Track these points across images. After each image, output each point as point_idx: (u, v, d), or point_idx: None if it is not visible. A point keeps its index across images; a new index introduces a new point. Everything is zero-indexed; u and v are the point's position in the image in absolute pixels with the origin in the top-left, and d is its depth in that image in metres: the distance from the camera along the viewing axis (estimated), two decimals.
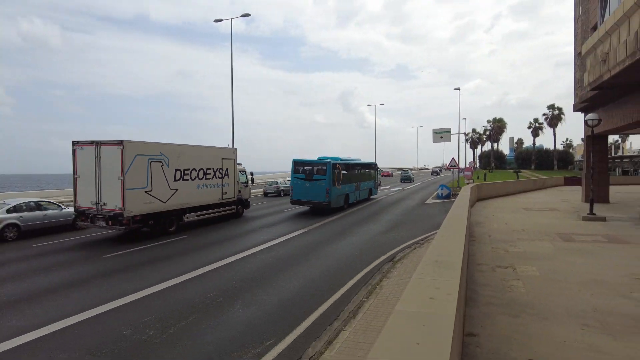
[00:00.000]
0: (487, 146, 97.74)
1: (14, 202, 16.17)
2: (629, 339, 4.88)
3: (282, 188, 34.79)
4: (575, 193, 28.47)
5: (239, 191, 21.48)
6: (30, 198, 17.90)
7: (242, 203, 21.88)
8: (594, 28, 17.83)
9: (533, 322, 5.45)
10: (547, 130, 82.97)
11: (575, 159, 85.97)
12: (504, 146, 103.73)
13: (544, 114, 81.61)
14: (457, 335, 2.64)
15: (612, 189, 24.40)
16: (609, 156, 45.57)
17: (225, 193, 19.90)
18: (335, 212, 22.93)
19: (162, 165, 16.03)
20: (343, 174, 24.66)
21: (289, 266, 10.95)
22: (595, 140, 20.45)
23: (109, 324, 7.07)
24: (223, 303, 8.08)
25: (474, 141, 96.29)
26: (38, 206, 16.46)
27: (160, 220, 16.01)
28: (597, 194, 19.41)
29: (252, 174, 24.95)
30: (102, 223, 14.85)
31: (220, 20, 32.46)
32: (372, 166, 32.53)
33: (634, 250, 9.91)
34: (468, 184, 31.85)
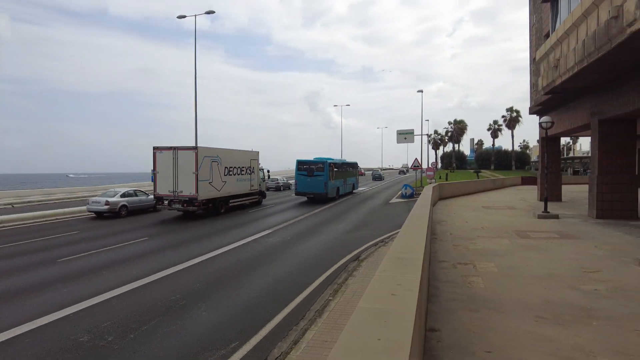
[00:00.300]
0: (449, 147, 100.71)
1: (121, 190, 22.84)
2: (577, 328, 5.18)
3: (281, 184, 42.20)
4: (532, 192, 29.83)
5: (259, 184, 27.28)
6: (128, 188, 24.55)
7: (262, 194, 27.96)
8: (547, 35, 18.77)
9: (492, 316, 5.67)
10: (506, 132, 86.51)
11: (532, 160, 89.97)
12: (465, 147, 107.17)
13: (502, 116, 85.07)
14: (418, 330, 2.72)
15: (565, 188, 25.75)
16: (562, 157, 48.10)
17: (252, 185, 26.02)
18: (329, 201, 28.68)
19: (218, 164, 21.81)
20: (335, 171, 30.76)
21: (258, 266, 10.87)
22: (548, 141, 21.51)
23: (65, 331, 6.76)
24: (187, 305, 7.91)
25: (436, 142, 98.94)
26: (135, 193, 22.92)
27: (215, 204, 21.79)
28: (551, 193, 20.43)
29: (268, 171, 31.43)
30: (178, 206, 20.45)
31: (184, 16, 31.73)
32: (355, 165, 38.98)
33: (583, 245, 10.50)
34: (430, 183, 32.69)
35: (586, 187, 17.49)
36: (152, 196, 22.05)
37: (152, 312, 7.60)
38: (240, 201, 24.57)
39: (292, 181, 42.96)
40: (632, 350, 4.56)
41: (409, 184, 34.88)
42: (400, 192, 33.72)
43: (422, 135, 46.26)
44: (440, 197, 25.65)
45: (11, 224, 19.13)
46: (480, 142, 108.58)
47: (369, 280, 8.94)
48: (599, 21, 11.16)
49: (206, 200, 20.87)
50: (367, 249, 12.83)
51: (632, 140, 15.78)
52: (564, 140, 76.99)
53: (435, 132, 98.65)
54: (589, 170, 17.73)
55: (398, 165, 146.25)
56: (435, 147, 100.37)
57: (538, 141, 26.78)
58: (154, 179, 21.16)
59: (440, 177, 54.39)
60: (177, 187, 20.42)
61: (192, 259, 11.69)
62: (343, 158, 37.36)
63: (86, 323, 7.08)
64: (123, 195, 22.01)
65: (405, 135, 40.18)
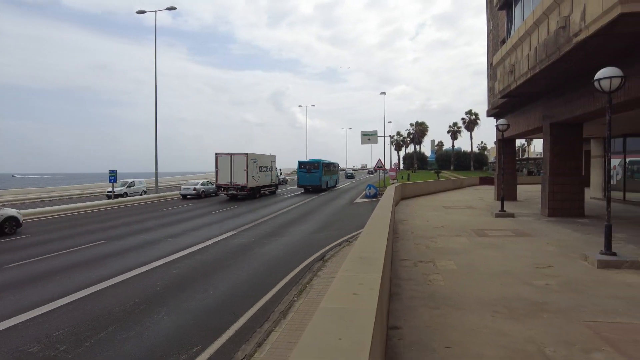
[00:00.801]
0: (411, 148, 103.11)
1: (200, 181, 35.53)
2: (530, 321, 5.44)
3: (281, 179, 49.86)
4: (489, 192, 31.01)
5: (276, 179, 38.94)
6: (202, 180, 38.71)
7: (276, 186, 39.32)
8: (503, 42, 19.56)
9: (451, 313, 5.85)
10: (465, 134, 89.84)
11: (489, 161, 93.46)
12: (426, 148, 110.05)
13: (462, 119, 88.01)
14: (379, 329, 2.76)
15: (520, 188, 26.93)
16: (517, 158, 50.33)
17: (272, 180, 37.34)
18: (320, 192, 39.22)
19: (256, 164, 32.88)
20: (325, 169, 41.31)
21: (224, 267, 10.69)
22: (505, 143, 22.43)
23: (12, 342, 6.38)
24: (147, 310, 7.66)
25: (399, 143, 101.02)
26: (207, 184, 34.87)
27: (254, 191, 32.59)
28: (507, 193, 21.28)
29: (280, 169, 46.86)
30: (232, 191, 31.23)
31: (144, 12, 30.79)
32: (337, 165, 51.45)
33: (536, 243, 11.04)
34: (393, 183, 33.30)
35: (540, 186, 18.37)
36: (214, 186, 33.65)
37: (110, 317, 7.31)
38: (265, 190, 35.93)
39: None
40: (577, 340, 4.85)
41: (373, 184, 35.39)
42: (364, 192, 34.14)
43: (385, 136, 47.18)
44: (403, 197, 26.18)
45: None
46: (441, 144, 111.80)
47: (333, 279, 8.99)
48: (549, 30, 11.76)
49: (251, 188, 31.63)
50: (332, 249, 12.91)
51: (579, 144, 16.73)
52: (519, 142, 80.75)
53: (398, 133, 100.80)
54: (542, 171, 18.64)
55: (362, 165, 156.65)
56: (398, 148, 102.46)
57: (495, 143, 27.88)
58: (215, 174, 31.92)
59: (402, 178, 55.49)
60: (233, 179, 31.17)
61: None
62: (329, 160, 46.57)
63: (37, 332, 6.72)
64: (202, 184, 34.43)
65: (369, 137, 40.85)
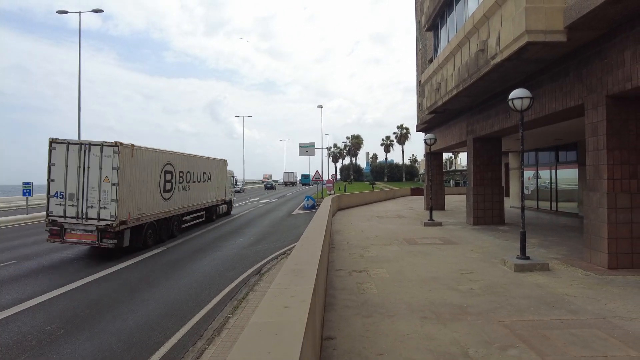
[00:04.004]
0: (347, 160, 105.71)
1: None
2: (455, 325, 5.77)
3: (275, 185, 79.53)
4: (419, 202, 32.57)
5: (295, 181, 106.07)
6: None
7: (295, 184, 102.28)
8: (431, 61, 20.84)
9: (383, 320, 6.03)
10: (397, 147, 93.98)
11: (420, 172, 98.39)
12: (361, 160, 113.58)
13: (394, 133, 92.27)
14: (310, 340, 2.79)
15: (447, 198, 28.61)
16: (445, 170, 53.47)
17: (295, 180, 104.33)
18: (309, 186, 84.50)
19: (294, 175, 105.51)
20: (310, 177, 76.41)
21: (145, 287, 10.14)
22: (433, 156, 23.78)
23: None
24: (65, 335, 7.04)
25: (336, 155, 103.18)
26: None
27: (294, 184, 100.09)
28: (435, 203, 22.53)
29: (296, 175, 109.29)
30: (289, 184, 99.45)
31: (65, 12, 28.81)
32: (309, 176, 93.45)
33: (461, 250, 11.76)
34: (330, 195, 33.82)
35: (465, 197, 19.64)
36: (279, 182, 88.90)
37: (19, 347, 6.61)
38: (294, 183, 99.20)
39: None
40: (496, 339, 5.23)
41: (311, 195, 35.68)
42: (302, 204, 34.30)
43: (322, 148, 47.85)
44: (339, 207, 26.68)
45: None
46: (375, 156, 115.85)
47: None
48: (470, 52, 12.75)
49: (295, 182, 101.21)
50: (269, 262, 12.77)
51: (499, 156, 18.21)
52: (446, 155, 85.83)
53: (335, 145, 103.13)
54: (467, 182, 19.98)
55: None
56: (335, 160, 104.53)
57: (424, 156, 29.42)
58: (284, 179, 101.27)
59: (339, 189, 56.59)
60: (289, 180, 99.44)
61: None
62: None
63: None
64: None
65: (307, 148, 41.28)
